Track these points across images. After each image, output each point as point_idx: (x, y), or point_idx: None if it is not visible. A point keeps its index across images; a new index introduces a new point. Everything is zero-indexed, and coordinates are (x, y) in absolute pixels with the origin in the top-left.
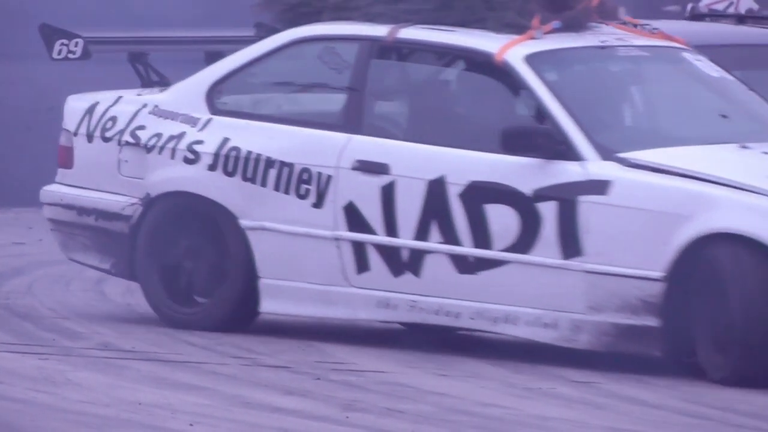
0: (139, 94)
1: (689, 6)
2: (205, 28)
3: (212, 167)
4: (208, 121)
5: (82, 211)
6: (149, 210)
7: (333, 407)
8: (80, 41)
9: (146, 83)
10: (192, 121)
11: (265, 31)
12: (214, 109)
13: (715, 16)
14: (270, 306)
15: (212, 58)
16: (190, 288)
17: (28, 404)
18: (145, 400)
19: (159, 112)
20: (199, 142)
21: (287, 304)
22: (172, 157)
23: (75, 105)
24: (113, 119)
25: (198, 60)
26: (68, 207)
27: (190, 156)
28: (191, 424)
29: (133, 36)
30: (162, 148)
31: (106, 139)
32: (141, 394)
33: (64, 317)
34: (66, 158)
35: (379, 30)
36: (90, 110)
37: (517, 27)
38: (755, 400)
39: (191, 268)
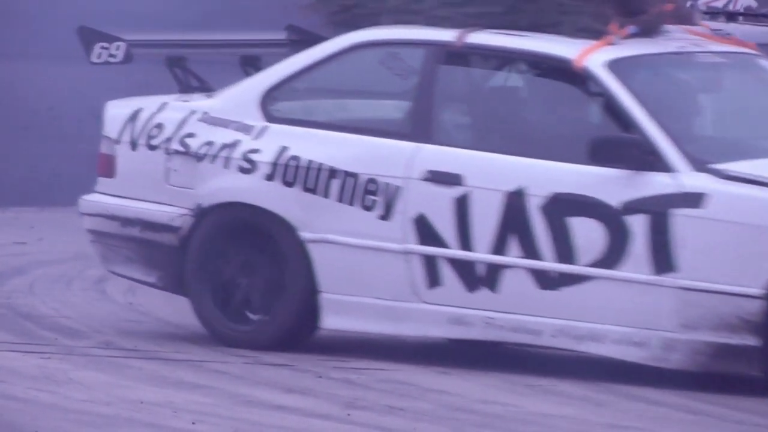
0: (185, 101)
1: (688, 4)
2: (233, 30)
3: (270, 177)
4: (264, 128)
5: (126, 222)
6: (201, 221)
7: (334, 405)
8: (122, 44)
9: (185, 88)
10: (246, 129)
11: (297, 33)
12: (269, 117)
13: (711, 13)
14: (332, 322)
15: (248, 62)
16: (244, 303)
17: (30, 403)
18: (146, 399)
19: (210, 120)
20: (255, 150)
21: (351, 320)
22: (226, 166)
23: (116, 111)
24: (159, 126)
25: (226, 63)
26: (111, 218)
27: (246, 165)
28: (193, 423)
29: (177, 39)
30: (215, 157)
31: (152, 147)
32: (143, 393)
33: (66, 316)
34: (107, 167)
35: (446, 34)
36: (133, 117)
37: (592, 32)
38: (755, 397)
39: (245, 281)
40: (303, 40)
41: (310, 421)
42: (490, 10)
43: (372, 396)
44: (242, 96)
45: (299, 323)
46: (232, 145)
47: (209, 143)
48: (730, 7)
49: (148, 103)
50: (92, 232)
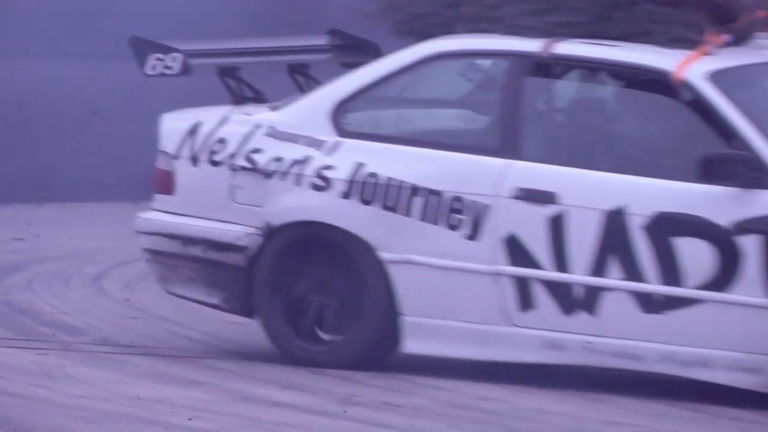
0: (247, 114)
1: None
2: (272, 37)
3: (346, 195)
4: (337, 144)
5: (188, 241)
6: (270, 241)
7: (331, 401)
8: (178, 55)
9: (239, 100)
10: (317, 144)
11: (340, 38)
12: (342, 131)
13: None
14: (415, 346)
15: (296, 70)
16: (316, 323)
17: (28, 399)
18: (144, 395)
19: (277, 134)
20: (329, 167)
21: (435, 344)
22: (298, 183)
23: (173, 125)
24: (222, 141)
25: (270, 72)
26: (171, 237)
27: (320, 182)
28: (190, 419)
29: (233, 48)
30: (285, 174)
31: (215, 163)
32: (140, 389)
33: (64, 313)
34: (166, 183)
35: (531, 44)
36: (193, 131)
37: (686, 42)
38: (751, 393)
39: (318, 301)
40: (346, 45)
41: (307, 417)
42: (577, 20)
43: (368, 393)
44: (311, 109)
45: (376, 345)
46: (304, 161)
47: (278, 159)
48: None
49: (207, 117)
50: (150, 251)
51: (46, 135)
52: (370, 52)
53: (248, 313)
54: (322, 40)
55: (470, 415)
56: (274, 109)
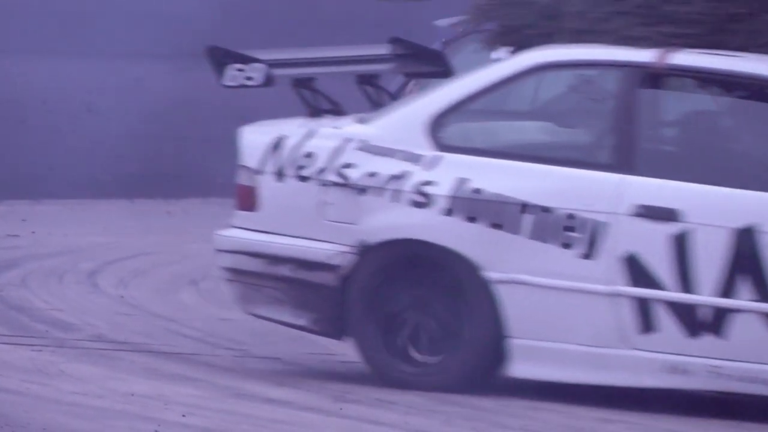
0: (336, 127)
1: None
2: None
3: (448, 212)
4: (436, 158)
5: (274, 260)
6: (365, 259)
7: (325, 398)
8: (261, 66)
9: (315, 112)
10: (414, 159)
11: (403, 47)
12: (441, 145)
13: None
14: (523, 370)
15: (366, 80)
16: (414, 344)
17: (22, 395)
18: (138, 392)
19: (370, 148)
20: (429, 182)
21: (546, 367)
22: (395, 199)
23: (255, 139)
24: (310, 155)
25: (325, 82)
26: (255, 255)
27: (420, 199)
28: (184, 415)
29: (313, 57)
30: (380, 190)
31: (302, 179)
32: (134, 386)
33: (58, 309)
34: (248, 200)
35: (644, 55)
36: (276, 145)
37: None
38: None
39: (416, 324)
40: (409, 54)
41: (301, 414)
42: (694, 31)
43: (362, 389)
44: (406, 122)
45: (477, 368)
46: (401, 177)
47: (372, 174)
48: None
49: (290, 130)
50: (231, 270)
51: (42, 132)
52: (433, 61)
53: (338, 334)
54: (383, 49)
55: (463, 411)
56: (362, 122)
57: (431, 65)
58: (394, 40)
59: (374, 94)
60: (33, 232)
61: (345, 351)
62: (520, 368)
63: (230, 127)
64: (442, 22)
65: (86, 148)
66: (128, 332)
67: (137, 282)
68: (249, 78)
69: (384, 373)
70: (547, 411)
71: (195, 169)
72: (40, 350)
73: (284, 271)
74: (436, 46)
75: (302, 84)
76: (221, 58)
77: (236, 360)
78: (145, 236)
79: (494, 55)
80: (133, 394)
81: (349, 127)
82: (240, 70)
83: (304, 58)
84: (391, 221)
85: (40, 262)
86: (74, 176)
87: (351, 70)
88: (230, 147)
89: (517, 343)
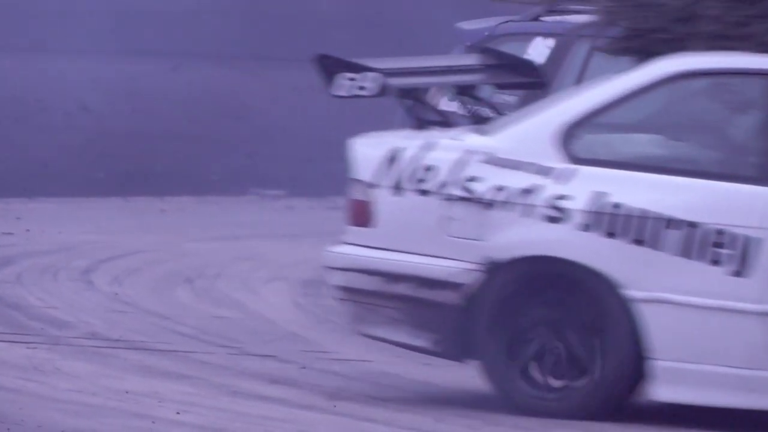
0: (456, 139)
1: None
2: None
3: (585, 227)
4: (570, 171)
5: (392, 278)
6: (493, 277)
7: (319, 396)
8: (376, 76)
9: (422, 123)
10: (545, 172)
11: (494, 57)
12: (574, 157)
13: None
14: (668, 393)
15: (463, 91)
16: (547, 367)
17: (17, 393)
18: (132, 389)
19: (497, 161)
20: (564, 197)
21: (692, 391)
22: (526, 214)
23: (369, 151)
24: (431, 169)
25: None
26: (371, 273)
27: (554, 213)
28: (178, 413)
29: (430, 66)
30: (510, 204)
31: (422, 193)
32: (128, 383)
33: (53, 307)
34: (363, 215)
35: None
36: (392, 158)
37: None
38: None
39: (549, 344)
40: (500, 64)
41: (295, 411)
42: None
43: (356, 387)
44: (534, 134)
45: (617, 392)
46: (532, 191)
47: (500, 188)
48: None
49: (408, 142)
50: (345, 289)
51: (36, 130)
52: (526, 71)
53: (460, 356)
54: (471, 60)
55: (456, 409)
56: (484, 133)
57: (524, 75)
58: (485, 50)
59: (461, 106)
60: (27, 230)
61: (340, 349)
62: (663, 391)
63: (224, 125)
64: (467, 25)
65: (80, 146)
66: (123, 330)
67: (132, 280)
68: (361, 87)
69: (514, 399)
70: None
71: (189, 166)
72: (35, 348)
73: (403, 289)
74: (458, 49)
75: (410, 95)
76: (331, 66)
77: (230, 358)
78: (139, 234)
79: (529, 53)
80: (127, 392)
81: (470, 139)
82: (351, 79)
83: (419, 67)
84: (523, 237)
85: (34, 260)
86: (68, 174)
87: (453, 80)
88: (224, 145)
89: (660, 365)
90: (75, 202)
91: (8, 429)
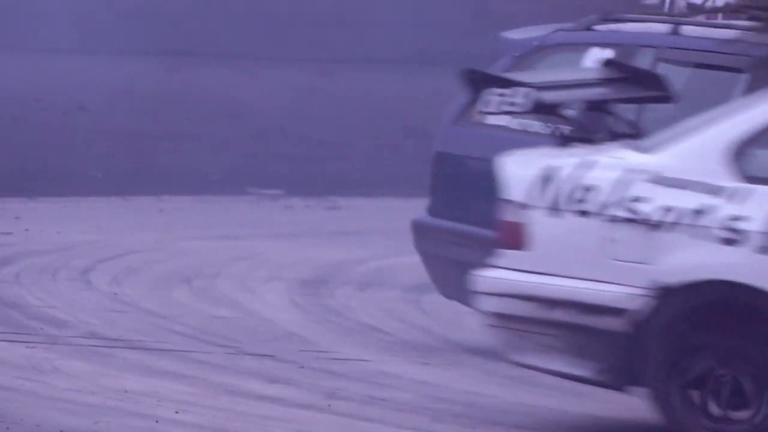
0: (617, 157)
1: (668, 0)
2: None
3: (765, 250)
4: (743, 190)
5: (550, 303)
6: (665, 302)
7: (316, 395)
8: (527, 90)
9: (565, 139)
10: (716, 191)
11: (618, 70)
12: (746, 176)
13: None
14: None
15: (595, 107)
16: (728, 399)
17: (16, 392)
18: (131, 388)
19: (663, 180)
20: (740, 217)
21: None
22: (697, 236)
23: (521, 171)
24: (591, 189)
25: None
26: (527, 299)
27: (729, 236)
28: (177, 412)
29: (582, 80)
30: (680, 226)
31: (583, 214)
32: (127, 382)
33: (51, 306)
34: (516, 237)
35: None
36: (547, 177)
37: None
38: None
39: (729, 375)
40: (625, 78)
41: (292, 411)
42: None
43: (353, 386)
44: (702, 151)
45: None
46: (702, 211)
47: (668, 209)
48: (710, 4)
49: (563, 161)
50: (497, 315)
51: (34, 129)
52: (652, 84)
53: (623, 385)
54: (593, 74)
55: (454, 409)
56: (645, 151)
57: (649, 89)
58: (608, 63)
59: (601, 120)
60: (26, 230)
61: (337, 349)
62: None
63: (223, 124)
64: (513, 34)
65: (79, 146)
66: (121, 329)
67: (130, 279)
68: (512, 104)
69: (687, 430)
70: (538, 408)
71: (188, 166)
72: (34, 347)
73: (561, 315)
74: (505, 60)
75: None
76: (479, 81)
77: (229, 357)
78: (138, 234)
79: (586, 63)
80: (126, 391)
81: (632, 157)
82: (501, 95)
83: (570, 81)
84: (697, 260)
85: (33, 260)
86: (67, 174)
87: (599, 94)
88: (222, 144)
89: None
90: (74, 202)
91: (7, 428)
